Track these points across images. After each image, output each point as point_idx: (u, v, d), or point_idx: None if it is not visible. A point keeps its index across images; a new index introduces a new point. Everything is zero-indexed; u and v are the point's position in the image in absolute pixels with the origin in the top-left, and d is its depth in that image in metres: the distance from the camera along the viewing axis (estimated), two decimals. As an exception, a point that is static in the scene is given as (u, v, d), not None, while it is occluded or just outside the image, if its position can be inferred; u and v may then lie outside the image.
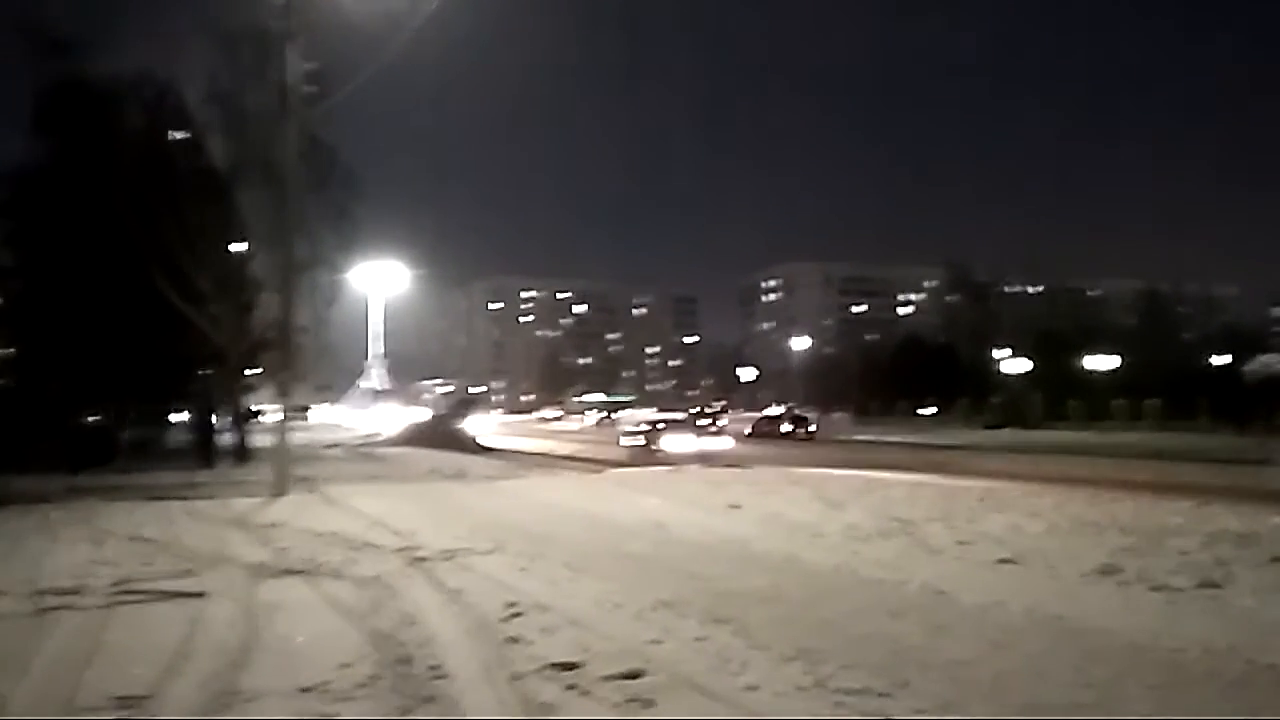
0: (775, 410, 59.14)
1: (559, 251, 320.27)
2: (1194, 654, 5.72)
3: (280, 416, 17.23)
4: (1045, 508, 12.45)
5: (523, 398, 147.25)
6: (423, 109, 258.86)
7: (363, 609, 7.05)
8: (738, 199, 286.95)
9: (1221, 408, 45.85)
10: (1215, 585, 7.50)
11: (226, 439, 26.64)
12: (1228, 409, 44.96)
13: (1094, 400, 54.70)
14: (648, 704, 4.86)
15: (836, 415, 72.46)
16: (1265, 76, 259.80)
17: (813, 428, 50.62)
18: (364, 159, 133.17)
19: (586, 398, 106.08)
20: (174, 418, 31.86)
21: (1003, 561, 8.73)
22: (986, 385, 65.22)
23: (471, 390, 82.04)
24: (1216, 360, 64.48)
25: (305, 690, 5.09)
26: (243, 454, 25.24)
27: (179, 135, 24.93)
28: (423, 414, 47.97)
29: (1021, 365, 61.25)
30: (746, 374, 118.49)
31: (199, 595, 7.65)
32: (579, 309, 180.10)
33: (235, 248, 24.42)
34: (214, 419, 27.28)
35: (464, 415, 45.29)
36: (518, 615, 6.72)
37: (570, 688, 5.10)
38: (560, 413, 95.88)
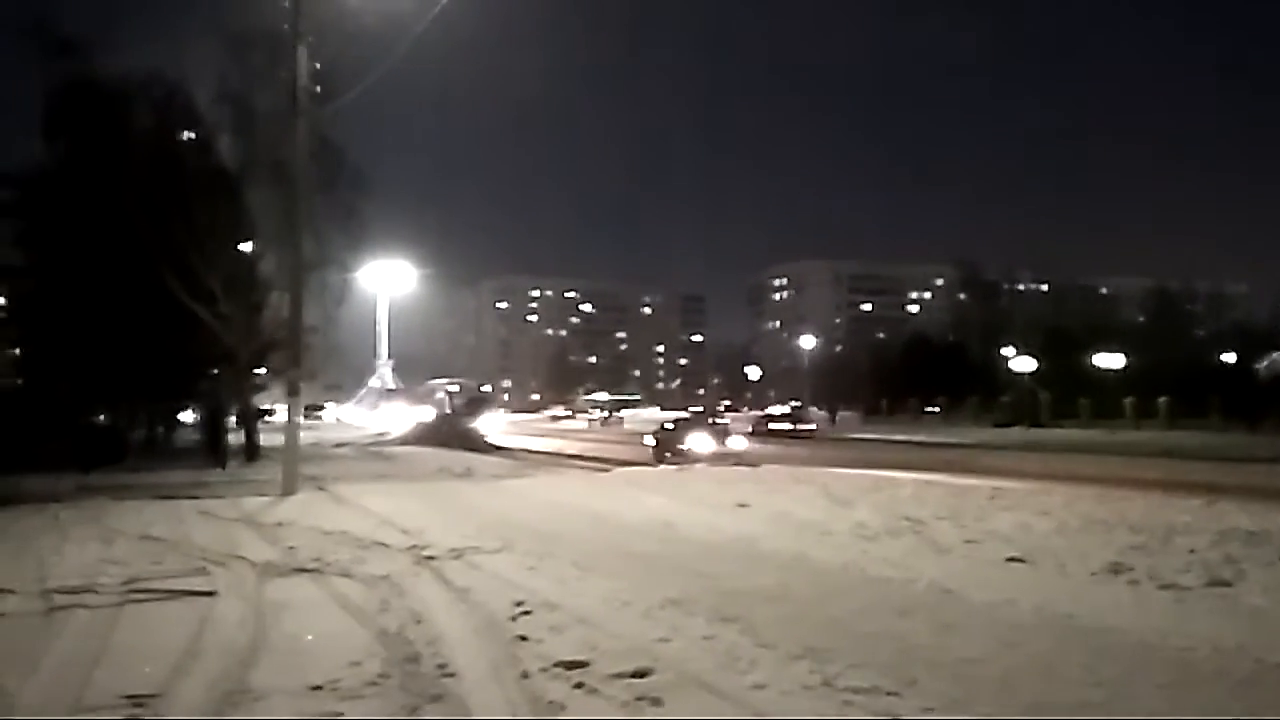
0: (777, 409, 59.24)
1: (566, 251, 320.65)
2: (1203, 653, 5.69)
3: (289, 415, 17.28)
4: (1054, 506, 12.40)
5: (530, 397, 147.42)
6: (429, 110, 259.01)
7: (371, 607, 7.06)
8: (741, 198, 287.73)
9: (1232, 406, 45.58)
10: (1225, 584, 7.46)
11: (236, 438, 26.74)
12: (1239, 407, 44.71)
13: (1104, 398, 54.43)
14: (655, 702, 4.85)
15: (845, 413, 72.50)
16: (1265, 76, 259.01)
17: (812, 425, 50.78)
18: (372, 159, 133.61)
19: (594, 396, 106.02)
20: (184, 417, 32.02)
21: (1011, 560, 8.70)
22: (996, 383, 65.00)
23: (484, 388, 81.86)
24: (1227, 358, 64.15)
25: (314, 689, 5.09)
26: (252, 453, 25.34)
27: (188, 135, 25.04)
28: (432, 413, 47.92)
29: (1030, 363, 61.04)
30: (754, 373, 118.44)
31: (208, 594, 7.67)
32: (586, 308, 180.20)
33: (244, 247, 24.53)
34: (223, 418, 27.37)
35: (477, 413, 45.25)
36: (526, 614, 6.72)
37: (578, 686, 5.09)
38: (569, 412, 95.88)
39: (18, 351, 30.92)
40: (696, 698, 4.94)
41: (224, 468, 23.10)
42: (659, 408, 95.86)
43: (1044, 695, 4.96)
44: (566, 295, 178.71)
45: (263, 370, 27.10)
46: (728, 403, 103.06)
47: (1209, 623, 6.37)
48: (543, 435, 51.78)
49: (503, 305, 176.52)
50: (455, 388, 53.91)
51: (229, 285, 22.62)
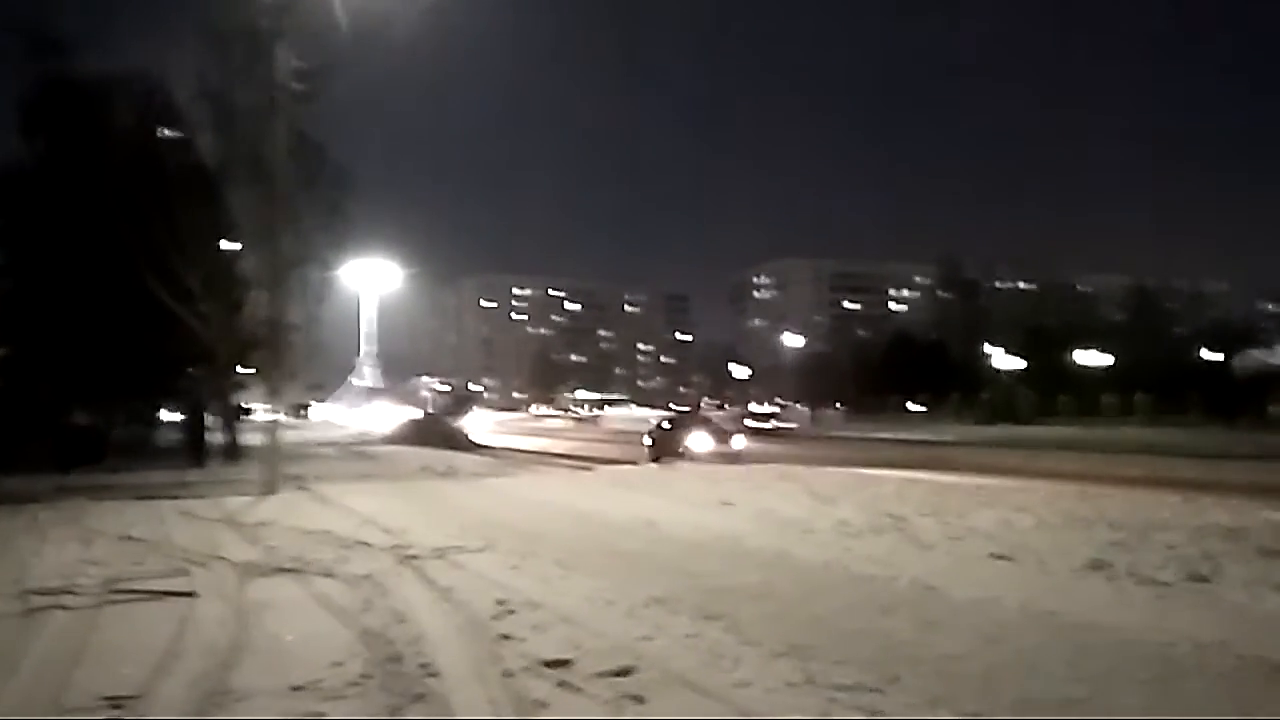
0: (757, 407, 59.70)
1: (551, 249, 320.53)
2: (1184, 648, 5.73)
3: (271, 415, 17.18)
4: (1036, 503, 12.46)
5: (515, 395, 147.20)
6: (416, 106, 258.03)
7: (353, 607, 7.03)
8: (731, 197, 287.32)
9: (1212, 402, 46.07)
10: (1204, 579, 7.51)
11: (217, 437, 26.56)
12: (1218, 404, 45.20)
13: (1084, 396, 54.90)
14: (639, 700, 4.85)
15: (828, 412, 72.84)
16: (1265, 76, 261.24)
17: (792, 424, 51.26)
18: (356, 156, 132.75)
19: (578, 395, 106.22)
20: (164, 416, 31.77)
21: (994, 557, 8.74)
22: (978, 381, 65.43)
23: (470, 387, 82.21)
24: (1207, 355, 64.72)
25: (296, 689, 5.07)
26: (233, 452, 25.18)
27: (168, 133, 24.83)
28: (416, 412, 47.90)
29: (1012, 361, 61.43)
30: (741, 372, 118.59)
31: (189, 594, 7.62)
32: (571, 306, 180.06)
33: (225, 245, 24.33)
34: (204, 417, 27.20)
35: (461, 413, 45.29)
36: (509, 613, 6.71)
37: (561, 685, 5.09)
38: (554, 410, 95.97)
39: (-2, 350, 30.62)
40: (680, 696, 4.94)
41: (205, 467, 22.96)
42: (646, 406, 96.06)
43: (1027, 691, 4.99)
44: (551, 293, 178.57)
45: (244, 369, 26.91)
46: (717, 401, 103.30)
47: (1189, 618, 6.42)
48: (527, 434, 51.72)
49: (487, 303, 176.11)
50: (443, 387, 54.09)
51: (209, 283, 22.44)
